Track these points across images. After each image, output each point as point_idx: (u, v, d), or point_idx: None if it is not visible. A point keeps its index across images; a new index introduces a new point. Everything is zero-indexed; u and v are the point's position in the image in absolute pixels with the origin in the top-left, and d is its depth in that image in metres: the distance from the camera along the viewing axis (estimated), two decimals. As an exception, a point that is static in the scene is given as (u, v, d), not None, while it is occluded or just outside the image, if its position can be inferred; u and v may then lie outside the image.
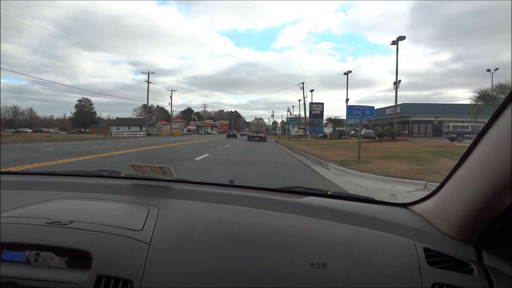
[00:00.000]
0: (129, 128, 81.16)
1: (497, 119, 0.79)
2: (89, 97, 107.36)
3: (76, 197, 1.25)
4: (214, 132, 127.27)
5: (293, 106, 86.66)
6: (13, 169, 5.96)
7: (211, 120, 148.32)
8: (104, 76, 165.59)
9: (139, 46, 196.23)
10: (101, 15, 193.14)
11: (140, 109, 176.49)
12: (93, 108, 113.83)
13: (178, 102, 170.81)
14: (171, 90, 77.11)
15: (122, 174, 1.57)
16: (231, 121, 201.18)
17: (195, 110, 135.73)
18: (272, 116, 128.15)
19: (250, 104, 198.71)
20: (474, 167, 0.89)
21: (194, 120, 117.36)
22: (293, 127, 56.49)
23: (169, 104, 76.13)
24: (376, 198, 1.42)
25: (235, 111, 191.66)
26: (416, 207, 1.25)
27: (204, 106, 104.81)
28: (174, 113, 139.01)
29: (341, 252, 0.95)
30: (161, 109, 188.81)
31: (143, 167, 1.36)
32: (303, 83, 58.86)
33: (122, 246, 0.90)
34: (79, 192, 1.31)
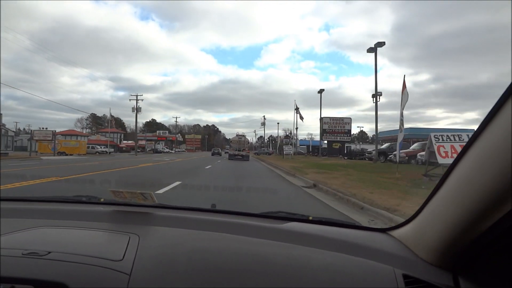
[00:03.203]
0: None
1: (468, 150, 0.81)
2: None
3: (54, 224, 1.22)
4: (167, 150, 79.51)
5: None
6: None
7: (166, 132, 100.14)
8: (82, 91, 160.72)
9: (120, 61, 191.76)
10: (81, 29, 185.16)
11: (87, 119, 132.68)
12: None
13: (159, 119, 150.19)
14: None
15: (102, 200, 1.56)
16: (205, 136, 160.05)
17: (168, 128, 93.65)
18: (263, 124, 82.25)
19: (232, 122, 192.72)
20: (449, 192, 0.90)
21: (112, 126, 68.86)
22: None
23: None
24: (357, 224, 1.41)
25: (212, 125, 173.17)
26: (395, 232, 1.26)
27: (136, 100, 57.04)
28: (137, 126, 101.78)
29: (323, 280, 0.95)
30: (116, 121, 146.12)
31: (124, 193, 1.36)
32: None
33: (101, 278, 0.87)
34: (57, 219, 1.28)
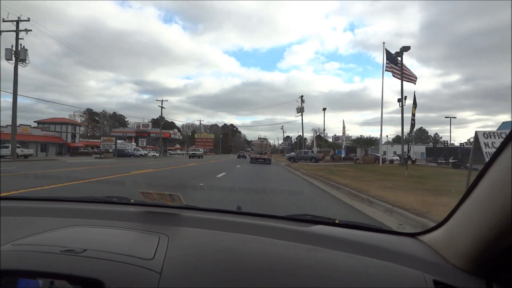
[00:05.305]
0: None
1: (502, 151, 0.79)
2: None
3: (87, 223, 1.29)
4: (143, 153, 49.15)
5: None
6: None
7: (149, 125, 69.60)
8: (108, 95, 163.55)
9: (144, 65, 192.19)
10: (106, 33, 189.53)
11: (82, 115, 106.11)
12: None
13: (183, 123, 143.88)
14: None
15: (132, 201, 1.62)
16: (220, 136, 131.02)
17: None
18: (302, 110, 50.52)
19: (254, 125, 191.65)
20: (482, 197, 0.89)
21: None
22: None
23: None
24: (384, 228, 1.44)
25: (231, 125, 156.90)
26: (424, 237, 1.23)
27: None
28: (144, 121, 71.25)
29: (349, 283, 0.94)
30: (116, 118, 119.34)
31: (153, 194, 1.42)
32: None
33: (134, 275, 0.91)
34: (90, 219, 1.35)
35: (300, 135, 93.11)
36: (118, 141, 49.10)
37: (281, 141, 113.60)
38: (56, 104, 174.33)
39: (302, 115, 51.92)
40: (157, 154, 54.12)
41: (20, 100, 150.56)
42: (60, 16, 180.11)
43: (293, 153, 48.23)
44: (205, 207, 1.56)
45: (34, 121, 56.71)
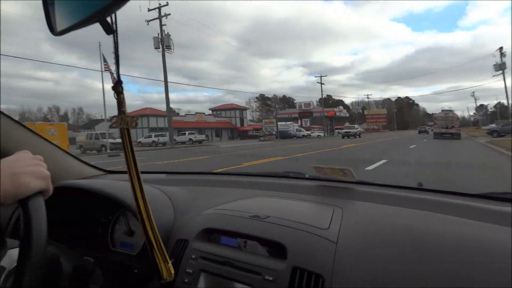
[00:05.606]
0: None
1: None
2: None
3: (269, 195, 1.40)
4: (305, 133, 46.77)
5: None
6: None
7: (312, 103, 66.47)
8: (281, 81, 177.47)
9: (309, 47, 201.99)
10: (273, 22, 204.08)
11: (256, 101, 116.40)
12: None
13: (352, 99, 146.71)
14: None
15: (307, 176, 1.69)
16: (393, 111, 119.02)
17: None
18: (503, 66, 37.88)
19: (435, 96, 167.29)
20: None
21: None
22: None
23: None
24: None
25: (406, 97, 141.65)
26: None
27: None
28: (306, 101, 72.62)
29: None
30: (285, 100, 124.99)
31: (325, 169, 1.45)
32: None
33: (312, 243, 0.94)
34: (270, 190, 1.46)
35: (499, 102, 74.17)
36: (280, 122, 48.58)
37: (472, 112, 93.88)
38: (239, 94, 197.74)
39: (503, 72, 39.09)
40: (322, 134, 51.10)
41: (212, 92, 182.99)
42: (232, 15, 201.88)
43: (493, 125, 36.90)
44: (379, 183, 1.48)
45: (209, 109, 62.44)
